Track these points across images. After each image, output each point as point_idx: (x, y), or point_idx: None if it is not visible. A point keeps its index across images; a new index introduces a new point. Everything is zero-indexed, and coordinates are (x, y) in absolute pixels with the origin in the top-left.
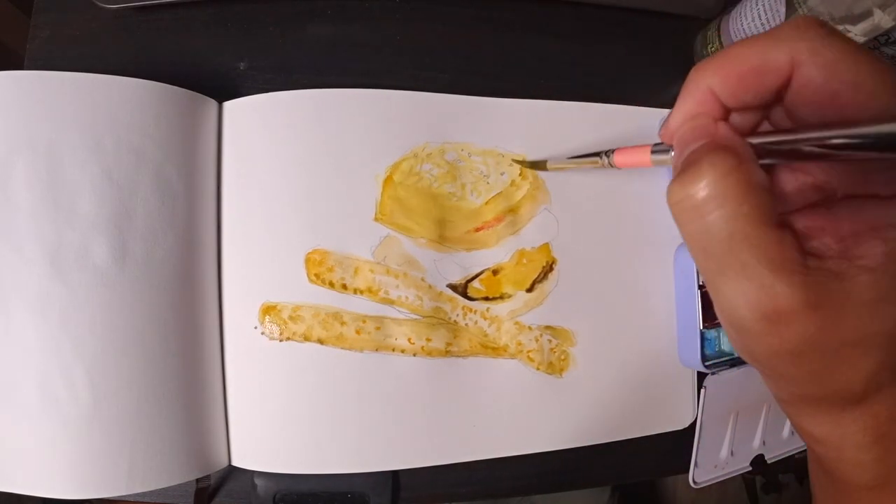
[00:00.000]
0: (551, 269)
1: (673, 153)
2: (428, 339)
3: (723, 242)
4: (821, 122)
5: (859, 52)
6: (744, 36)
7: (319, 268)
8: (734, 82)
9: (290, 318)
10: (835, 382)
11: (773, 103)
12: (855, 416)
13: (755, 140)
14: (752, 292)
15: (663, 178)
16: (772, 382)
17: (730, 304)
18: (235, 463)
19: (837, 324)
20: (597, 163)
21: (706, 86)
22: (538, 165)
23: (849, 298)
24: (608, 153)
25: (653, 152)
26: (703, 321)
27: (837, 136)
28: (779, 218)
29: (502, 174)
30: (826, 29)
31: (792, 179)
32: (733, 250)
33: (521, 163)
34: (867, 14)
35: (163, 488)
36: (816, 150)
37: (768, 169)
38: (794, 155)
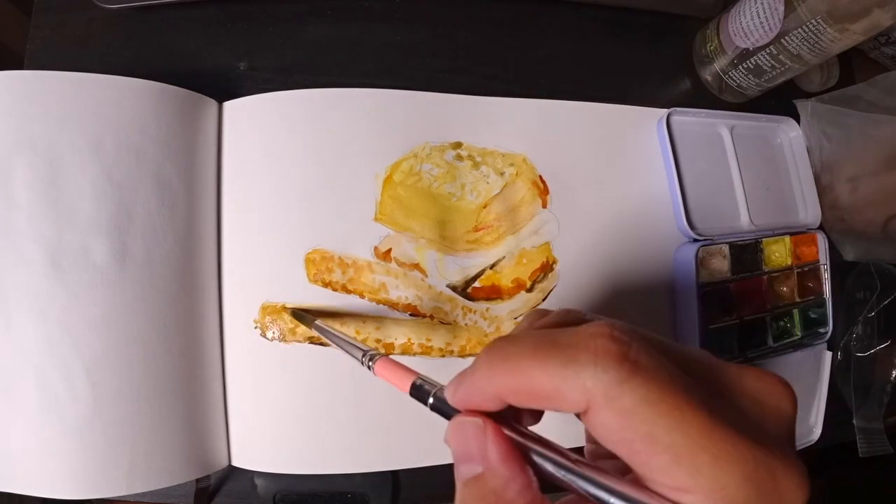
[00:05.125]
0: (551, 268)
1: (432, 401)
2: (428, 339)
3: None
4: (609, 463)
5: (662, 401)
6: (743, 35)
7: (319, 268)
8: (526, 399)
9: (290, 318)
10: None
11: None
12: None
13: (536, 452)
14: None
15: (664, 178)
16: None
17: None
18: (235, 463)
19: None
20: (357, 357)
21: (494, 390)
22: (305, 320)
23: None
24: (373, 356)
25: (413, 387)
26: (703, 321)
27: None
28: None
29: (502, 174)
30: (627, 368)
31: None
32: None
33: (290, 311)
34: (866, 12)
35: (163, 488)
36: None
37: None
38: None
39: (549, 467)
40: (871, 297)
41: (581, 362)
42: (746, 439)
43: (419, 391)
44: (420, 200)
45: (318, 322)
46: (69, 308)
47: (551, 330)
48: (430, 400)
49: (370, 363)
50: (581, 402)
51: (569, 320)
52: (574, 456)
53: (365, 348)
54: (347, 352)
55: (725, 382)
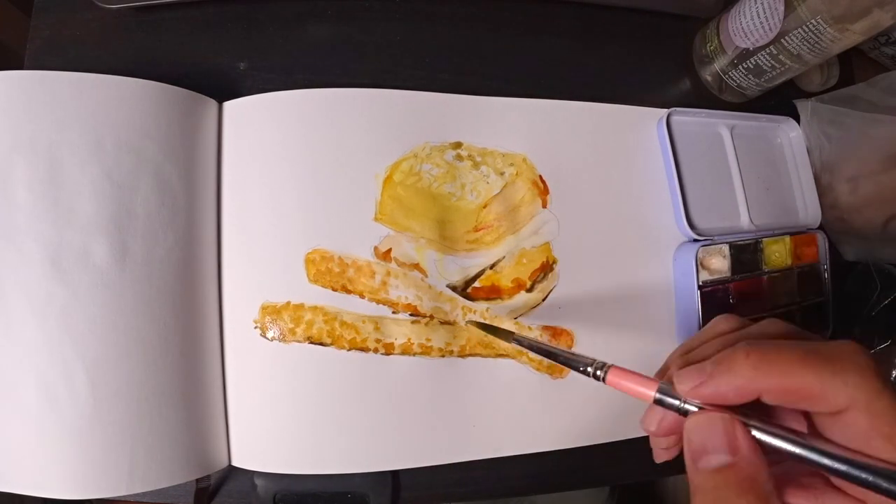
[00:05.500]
0: (551, 268)
1: (679, 404)
2: (428, 340)
3: None
4: (844, 447)
5: None
6: (743, 35)
7: (319, 268)
8: (787, 398)
9: (290, 318)
10: None
11: None
12: None
13: (780, 444)
14: None
15: (664, 178)
16: None
17: None
18: (235, 463)
19: None
20: (581, 370)
21: (756, 388)
22: (500, 333)
23: None
24: (602, 367)
25: (659, 392)
26: (703, 321)
27: (859, 474)
28: None
29: (502, 174)
30: (881, 381)
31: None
32: None
33: (481, 325)
34: (866, 12)
35: (163, 488)
36: (830, 466)
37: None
38: (800, 459)
39: (787, 446)
40: (871, 297)
41: (849, 372)
42: None
43: (664, 395)
44: (420, 200)
45: (516, 335)
46: (69, 308)
47: (807, 342)
48: (682, 406)
49: (599, 373)
50: (842, 405)
51: (788, 333)
52: (802, 434)
53: (589, 359)
54: (568, 364)
55: None
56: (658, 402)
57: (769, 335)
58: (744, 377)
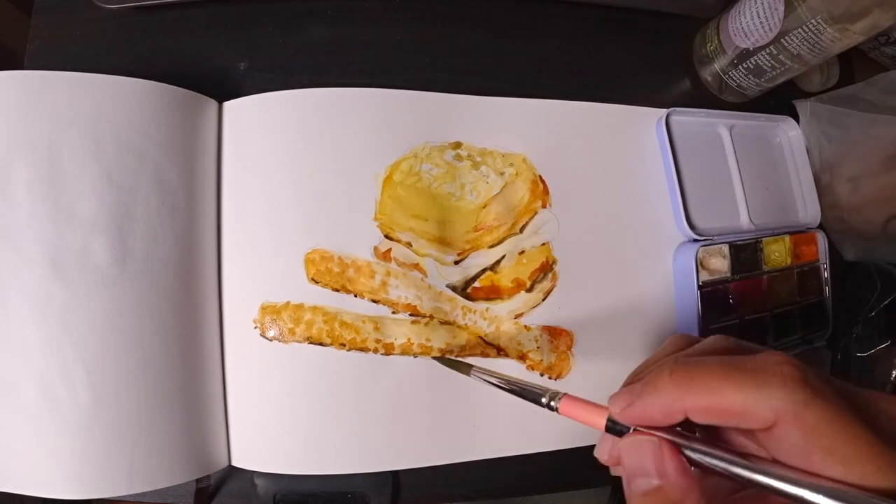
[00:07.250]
0: (551, 268)
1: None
2: (427, 340)
3: None
4: (790, 466)
5: (838, 420)
6: (743, 35)
7: (319, 268)
8: (713, 416)
9: (290, 318)
10: None
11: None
12: None
13: (713, 462)
14: None
15: (663, 178)
16: None
17: None
18: (235, 463)
19: None
20: (536, 401)
21: (682, 408)
22: (460, 367)
23: None
24: (555, 396)
25: (609, 421)
26: (703, 321)
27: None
28: None
29: (502, 174)
30: (810, 390)
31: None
32: None
33: (442, 360)
34: (866, 12)
35: (163, 488)
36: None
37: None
38: (736, 478)
39: (723, 466)
40: (871, 297)
41: (772, 385)
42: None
43: (614, 424)
44: (420, 200)
45: (476, 368)
46: (69, 308)
47: (732, 357)
48: (631, 430)
49: (553, 403)
50: (769, 420)
51: (728, 348)
52: (736, 454)
53: (544, 390)
54: (523, 396)
55: (864, 404)
56: (609, 429)
57: (711, 352)
58: (667, 396)
